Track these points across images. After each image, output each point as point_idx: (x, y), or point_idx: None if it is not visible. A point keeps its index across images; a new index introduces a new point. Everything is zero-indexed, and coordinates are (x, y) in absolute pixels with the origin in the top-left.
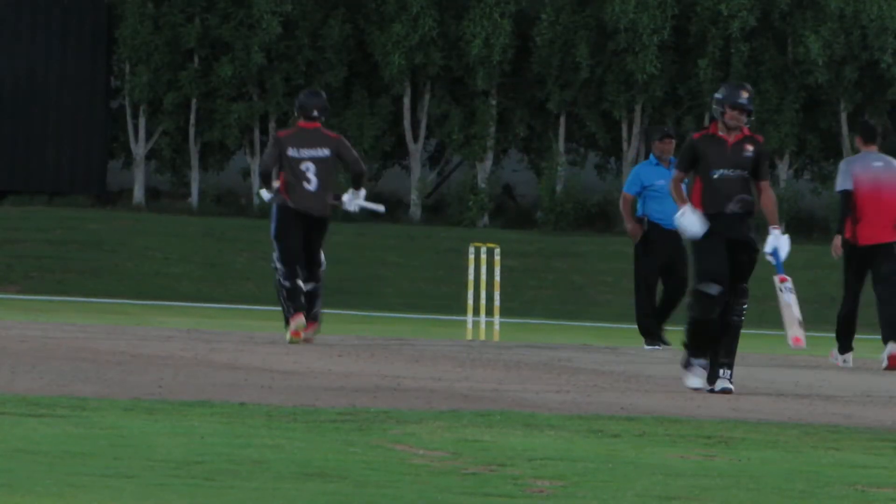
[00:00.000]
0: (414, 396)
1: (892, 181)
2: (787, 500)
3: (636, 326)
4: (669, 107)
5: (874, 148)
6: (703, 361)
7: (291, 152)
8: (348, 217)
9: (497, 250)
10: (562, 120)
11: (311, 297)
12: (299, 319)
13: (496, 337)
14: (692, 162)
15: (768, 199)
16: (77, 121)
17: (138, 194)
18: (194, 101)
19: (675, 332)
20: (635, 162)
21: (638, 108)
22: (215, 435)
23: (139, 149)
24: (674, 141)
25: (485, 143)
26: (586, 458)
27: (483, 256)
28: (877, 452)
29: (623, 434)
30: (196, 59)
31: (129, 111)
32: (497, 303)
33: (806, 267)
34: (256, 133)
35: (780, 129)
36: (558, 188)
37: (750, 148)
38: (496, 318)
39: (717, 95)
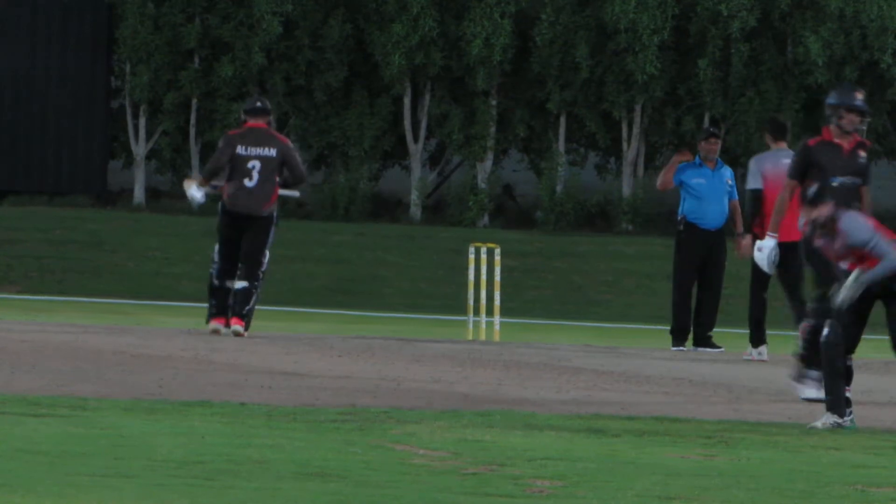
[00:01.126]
0: (414, 396)
1: None
2: (787, 500)
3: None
4: (669, 107)
5: (784, 145)
6: (815, 373)
7: (240, 150)
8: (348, 217)
9: (497, 250)
10: (562, 120)
11: (244, 295)
12: (215, 325)
13: (496, 337)
14: (807, 169)
15: (867, 205)
16: (77, 121)
17: (139, 194)
18: (194, 101)
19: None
20: (635, 162)
21: (638, 108)
22: (215, 435)
23: (139, 149)
24: (719, 141)
25: (485, 143)
26: (586, 458)
27: (483, 256)
28: (877, 452)
29: (623, 434)
30: (196, 59)
31: (129, 111)
32: (497, 303)
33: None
34: None
35: None
36: (558, 188)
37: (863, 154)
38: (496, 318)
39: (831, 100)
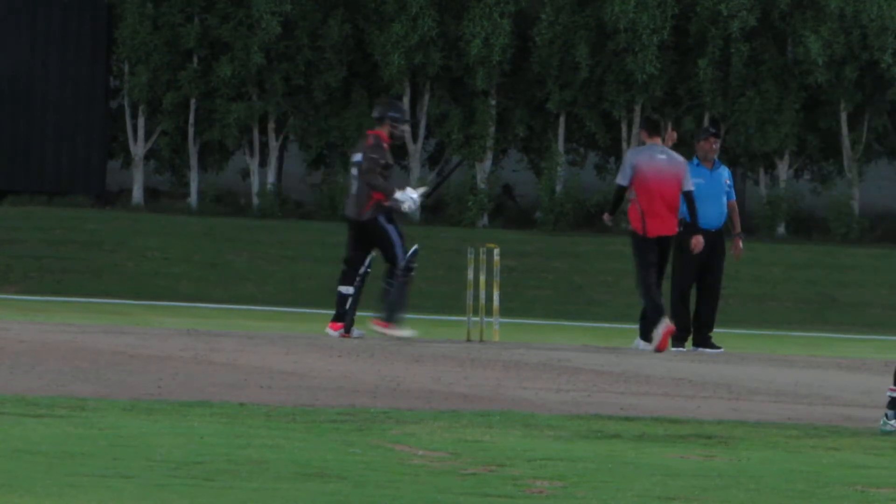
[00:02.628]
0: (414, 396)
1: (675, 174)
2: (787, 500)
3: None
4: (669, 107)
5: (658, 140)
6: None
7: (351, 157)
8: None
9: (497, 250)
10: (561, 120)
11: (352, 300)
12: (327, 330)
13: (496, 337)
14: None
15: None
16: (77, 121)
17: (137, 194)
18: (193, 100)
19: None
20: None
21: (638, 108)
22: (215, 435)
23: (138, 149)
24: (719, 140)
25: (484, 143)
26: (586, 458)
27: (483, 256)
28: (877, 452)
29: (623, 434)
30: (195, 59)
31: (128, 111)
32: (497, 303)
33: (806, 267)
34: (256, 133)
35: (780, 129)
36: (558, 188)
37: None
38: (496, 318)
39: None
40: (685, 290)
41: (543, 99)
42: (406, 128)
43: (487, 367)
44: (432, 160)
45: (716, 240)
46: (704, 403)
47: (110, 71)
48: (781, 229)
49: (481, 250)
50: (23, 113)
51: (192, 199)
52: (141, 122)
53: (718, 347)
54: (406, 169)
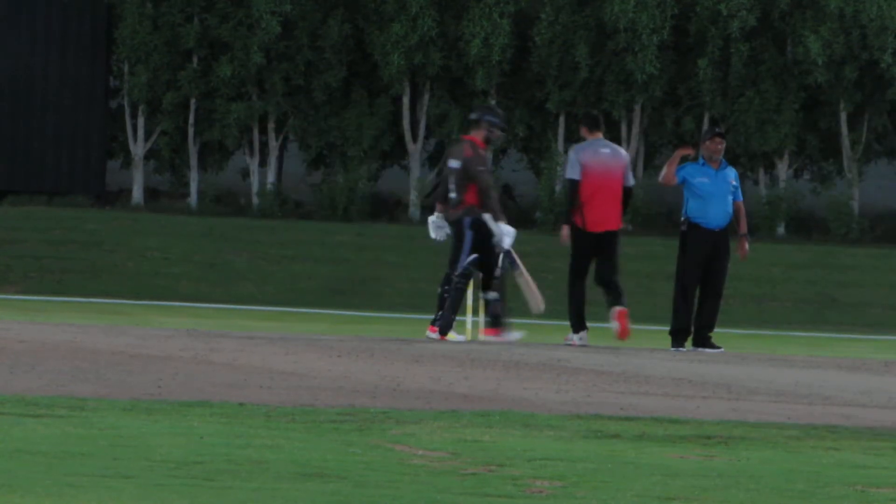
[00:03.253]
0: (414, 396)
1: (618, 168)
2: (787, 500)
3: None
4: (669, 107)
5: (600, 135)
6: None
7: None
8: (347, 217)
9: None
10: (561, 120)
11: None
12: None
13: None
14: None
15: None
16: (77, 121)
17: (137, 194)
18: (193, 100)
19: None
20: (635, 162)
21: (637, 107)
22: (215, 435)
23: (138, 149)
24: (724, 141)
25: None
26: (586, 458)
27: None
28: (877, 452)
29: (623, 434)
30: (195, 59)
31: (128, 111)
32: None
33: (806, 267)
34: (256, 133)
35: (779, 129)
36: (557, 188)
37: None
38: None
39: None
40: (688, 289)
41: (543, 99)
42: (501, 133)
43: (487, 367)
44: (432, 160)
45: (720, 240)
46: (704, 403)
47: (110, 71)
48: (781, 229)
49: None
50: (23, 113)
51: (192, 199)
52: (141, 122)
53: (718, 347)
54: (406, 169)
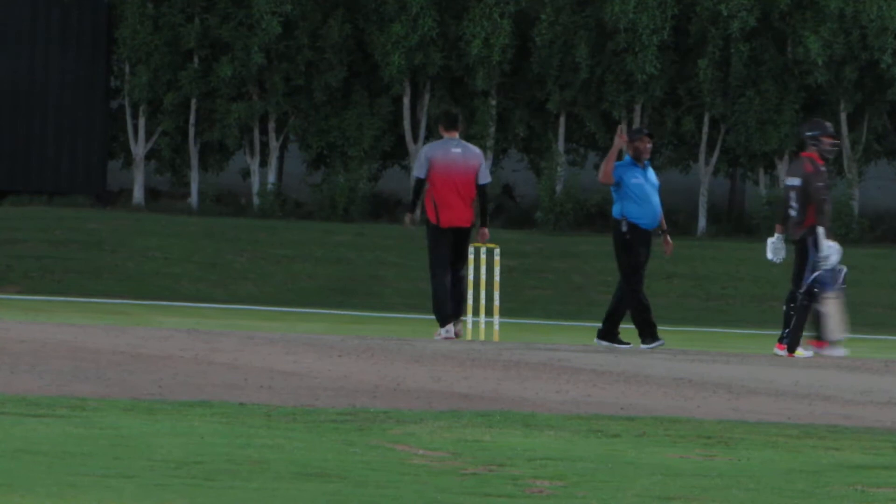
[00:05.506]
0: (414, 396)
1: (470, 167)
2: (787, 500)
3: (603, 326)
4: (669, 107)
5: (455, 134)
6: None
7: None
8: (348, 217)
9: (497, 250)
10: (561, 120)
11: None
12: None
13: (496, 337)
14: None
15: None
16: (77, 121)
17: (138, 194)
18: (194, 101)
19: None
20: None
21: (638, 108)
22: (215, 435)
23: (139, 149)
24: (651, 140)
25: (485, 143)
26: (586, 458)
27: (483, 256)
28: (877, 452)
29: (623, 434)
30: (196, 59)
31: (128, 111)
32: (497, 303)
33: None
34: (256, 133)
35: (780, 129)
36: (558, 188)
37: None
38: (496, 318)
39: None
40: (640, 289)
41: (543, 99)
42: (833, 141)
43: (487, 367)
44: None
45: (650, 239)
46: (704, 403)
47: (111, 71)
48: None
49: (481, 250)
50: (24, 113)
51: (193, 199)
52: (141, 122)
53: (627, 343)
54: (406, 169)
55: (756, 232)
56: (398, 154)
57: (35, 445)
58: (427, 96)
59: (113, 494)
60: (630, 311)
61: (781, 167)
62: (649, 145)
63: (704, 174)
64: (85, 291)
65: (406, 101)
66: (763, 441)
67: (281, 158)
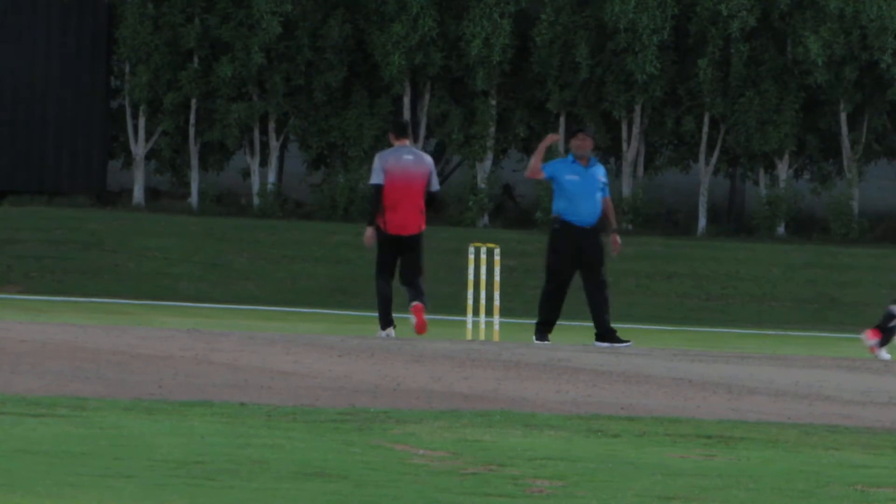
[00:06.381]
0: (414, 396)
1: (421, 175)
2: (787, 500)
3: (553, 323)
4: (669, 107)
5: (406, 142)
6: None
7: None
8: (348, 217)
9: (497, 250)
10: (562, 120)
11: None
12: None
13: (496, 337)
14: None
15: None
16: (77, 121)
17: (138, 194)
18: (194, 101)
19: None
20: (635, 162)
21: (638, 108)
22: (215, 435)
23: (139, 149)
24: (589, 138)
25: (485, 143)
26: (586, 458)
27: (483, 256)
28: (877, 452)
29: (623, 434)
30: (196, 60)
31: (128, 111)
32: (497, 303)
33: (806, 267)
34: (256, 133)
35: (779, 129)
36: None
37: None
38: (496, 318)
39: None
40: (561, 286)
41: (543, 99)
42: None
43: (487, 367)
44: (432, 160)
45: (591, 236)
46: (704, 403)
47: (111, 71)
48: (781, 229)
49: (481, 250)
50: (24, 113)
51: (193, 199)
52: (142, 122)
53: (627, 341)
54: None
55: (756, 232)
56: None
57: (35, 445)
58: (427, 96)
59: (113, 494)
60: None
61: (781, 167)
62: (587, 143)
63: (704, 174)
64: (85, 291)
65: (406, 101)
66: (763, 441)
67: (281, 158)
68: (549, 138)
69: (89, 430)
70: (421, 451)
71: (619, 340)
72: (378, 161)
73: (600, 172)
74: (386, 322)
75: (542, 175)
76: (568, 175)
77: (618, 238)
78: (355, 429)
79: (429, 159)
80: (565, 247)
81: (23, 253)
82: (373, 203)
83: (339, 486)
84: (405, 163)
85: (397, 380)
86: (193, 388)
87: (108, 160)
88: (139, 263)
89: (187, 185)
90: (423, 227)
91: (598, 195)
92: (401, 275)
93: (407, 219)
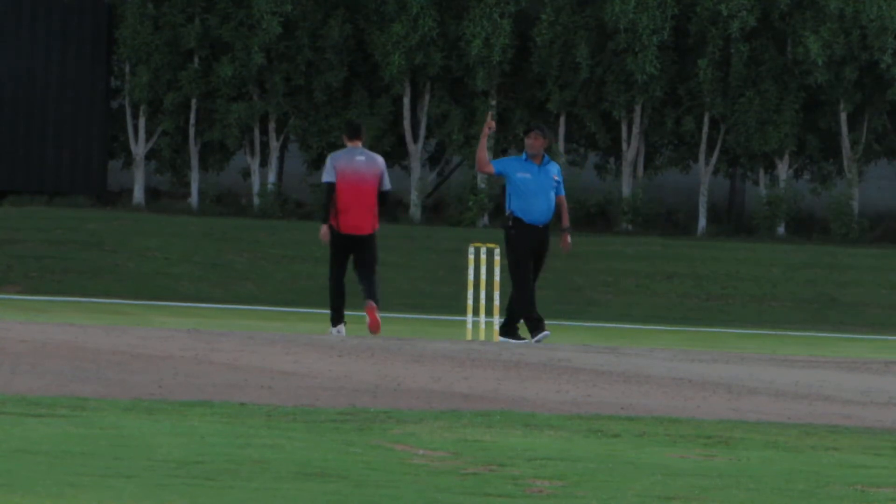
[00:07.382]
0: (414, 396)
1: (373, 175)
2: (787, 500)
3: (503, 321)
4: (669, 107)
5: (359, 143)
6: None
7: None
8: None
9: (497, 250)
10: (562, 120)
11: None
12: None
13: (496, 337)
14: None
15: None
16: (77, 121)
17: (138, 194)
18: (194, 101)
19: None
20: (635, 162)
21: (638, 108)
22: (215, 435)
23: (139, 149)
24: (541, 137)
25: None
26: (586, 458)
27: (483, 256)
28: (877, 452)
29: (623, 434)
30: (196, 60)
31: (129, 111)
32: (497, 303)
33: (806, 267)
34: (256, 133)
35: (780, 129)
36: None
37: None
38: (496, 318)
39: None
40: (525, 282)
41: (544, 99)
42: None
43: (487, 367)
44: (433, 160)
45: (543, 234)
46: (704, 403)
47: (111, 71)
48: (781, 229)
49: (481, 250)
50: (24, 113)
51: (193, 199)
52: (142, 122)
53: (525, 339)
54: (407, 169)
55: (756, 232)
56: (398, 154)
57: (35, 445)
58: (427, 96)
59: (113, 494)
60: (516, 303)
61: (781, 167)
62: (539, 142)
63: (704, 174)
64: (85, 291)
65: (406, 101)
66: (763, 441)
67: (281, 158)
68: (487, 126)
69: (89, 430)
70: (421, 451)
71: (518, 337)
72: (330, 161)
73: (554, 171)
74: (338, 319)
75: (492, 169)
76: (520, 173)
77: (569, 237)
78: (355, 429)
79: (380, 160)
80: (521, 244)
81: (23, 253)
82: (325, 201)
83: (339, 486)
84: (357, 163)
85: (397, 380)
86: (193, 388)
87: (109, 160)
88: (139, 263)
89: (187, 185)
90: (377, 226)
91: (552, 193)
92: (355, 269)
93: (360, 219)
